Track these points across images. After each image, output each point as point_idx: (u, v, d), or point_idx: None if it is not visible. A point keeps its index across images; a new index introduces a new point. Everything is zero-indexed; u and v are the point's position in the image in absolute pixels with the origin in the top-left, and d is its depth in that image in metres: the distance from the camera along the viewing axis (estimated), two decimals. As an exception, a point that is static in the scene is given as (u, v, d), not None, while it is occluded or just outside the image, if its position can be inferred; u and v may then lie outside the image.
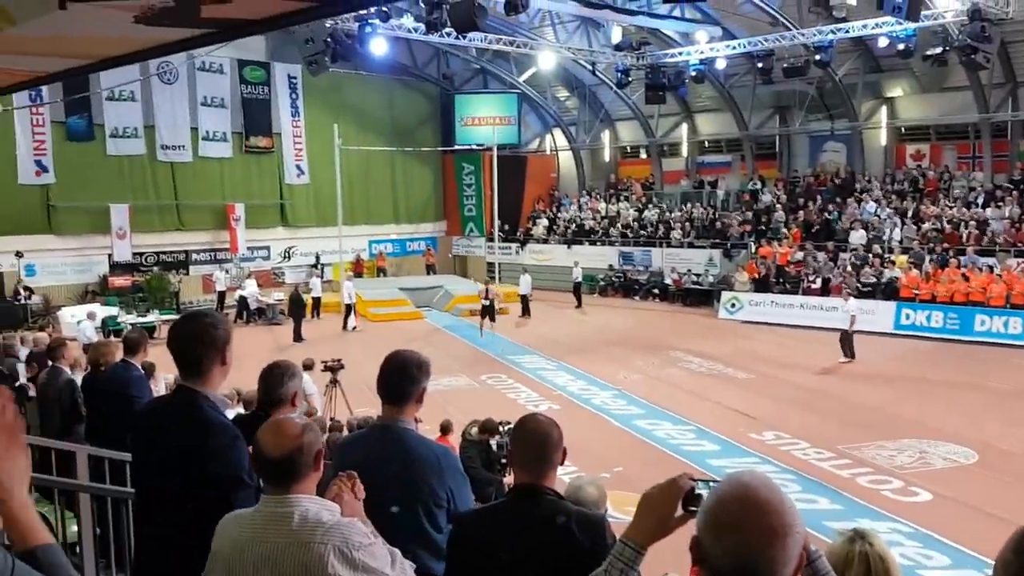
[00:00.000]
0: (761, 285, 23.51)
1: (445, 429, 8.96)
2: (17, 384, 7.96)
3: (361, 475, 2.48)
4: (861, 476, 10.46)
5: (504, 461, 7.97)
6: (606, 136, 33.41)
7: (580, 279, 26.58)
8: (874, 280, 21.60)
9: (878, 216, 23.92)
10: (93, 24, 2.97)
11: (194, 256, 27.20)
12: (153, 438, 2.91)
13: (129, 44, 3.61)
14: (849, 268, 22.33)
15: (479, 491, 7.08)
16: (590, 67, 27.12)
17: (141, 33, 3.18)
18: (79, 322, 18.26)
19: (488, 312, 21.58)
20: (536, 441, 2.58)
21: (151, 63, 18.56)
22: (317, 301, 24.28)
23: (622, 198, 31.75)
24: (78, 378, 6.90)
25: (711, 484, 1.75)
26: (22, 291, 22.46)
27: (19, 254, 23.04)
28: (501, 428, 8.38)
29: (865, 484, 10.19)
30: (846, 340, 17.59)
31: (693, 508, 1.80)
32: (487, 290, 22.06)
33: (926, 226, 22.71)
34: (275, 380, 3.36)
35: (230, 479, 2.67)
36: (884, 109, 25.89)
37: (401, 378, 3.02)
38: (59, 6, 2.53)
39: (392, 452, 2.94)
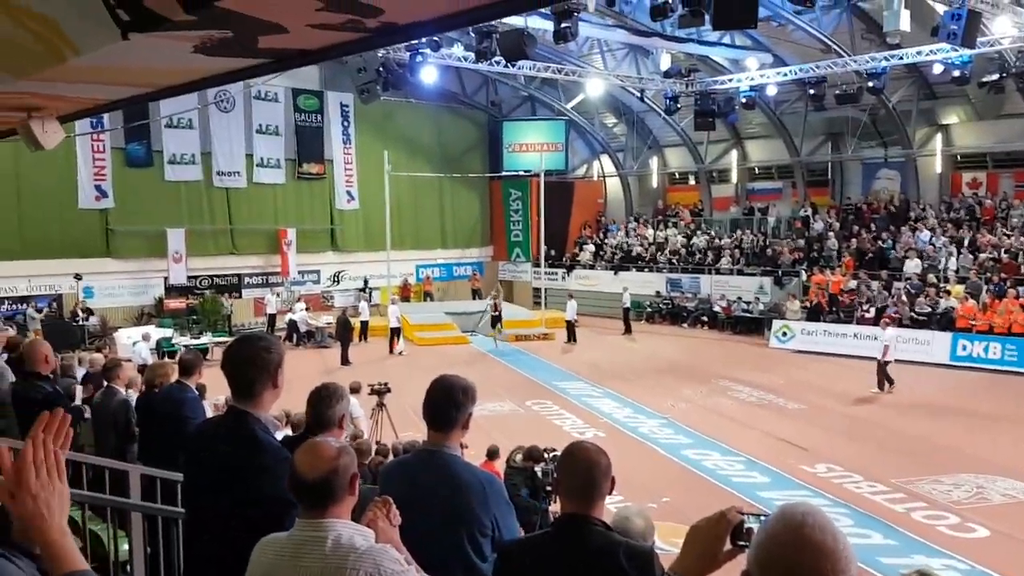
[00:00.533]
0: (813, 314, 23.11)
1: (492, 454, 8.94)
2: (73, 404, 8.16)
3: (406, 501, 2.48)
4: (916, 511, 10.15)
5: (549, 489, 7.91)
6: (654, 162, 33.32)
7: (629, 304, 26.37)
8: (929, 310, 21.09)
9: (933, 244, 23.40)
10: (154, 54, 3.05)
11: (247, 279, 27.71)
12: (204, 458, 2.96)
13: (188, 74, 3.71)
14: (904, 297, 21.83)
15: (523, 519, 7.03)
16: (638, 94, 27.13)
17: (200, 63, 3.27)
18: (134, 343, 18.71)
19: (496, 321, 23.81)
20: (584, 469, 2.55)
21: (209, 91, 19.05)
22: (365, 325, 24.50)
23: (670, 224, 31.57)
24: (133, 398, 7.04)
25: (761, 518, 1.71)
26: (80, 312, 23.09)
27: (78, 276, 23.72)
28: (546, 455, 8.32)
29: (920, 519, 9.89)
30: (881, 370, 17.18)
31: (743, 543, 1.76)
32: (495, 304, 24.06)
33: (983, 255, 22.14)
34: (323, 403, 3.40)
35: (279, 500, 2.69)
36: (939, 136, 25.40)
37: (447, 404, 3.01)
38: (122, 37, 2.61)
39: (438, 478, 2.93)
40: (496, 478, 3.11)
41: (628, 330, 25.99)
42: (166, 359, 16.40)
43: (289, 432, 7.15)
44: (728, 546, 1.82)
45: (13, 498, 1.56)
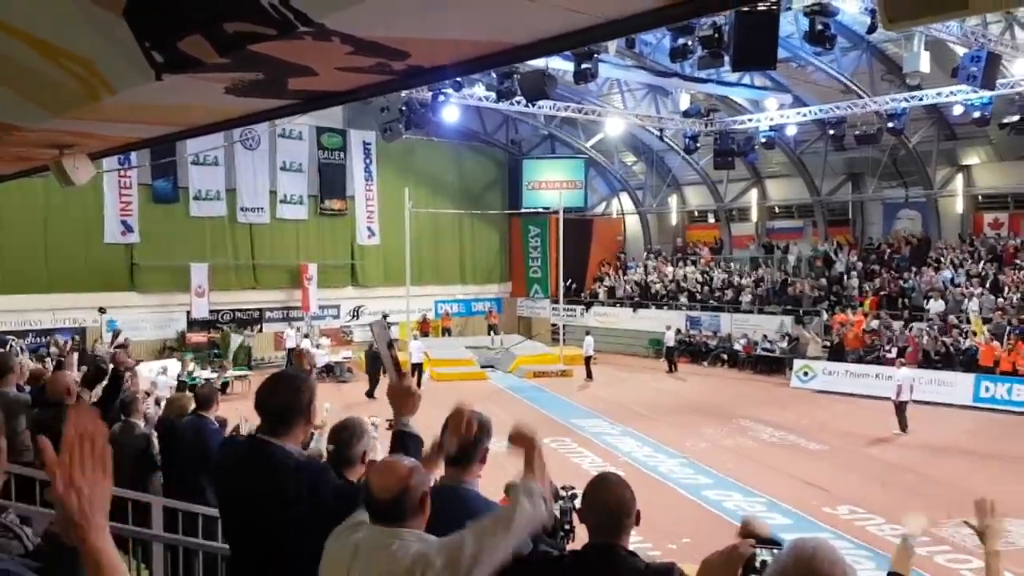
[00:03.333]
0: (836, 354, 22.91)
1: (509, 491, 8.87)
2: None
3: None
4: (939, 555, 9.97)
5: (568, 527, 7.84)
6: (673, 200, 33.41)
7: (673, 344, 26.01)
8: (952, 351, 20.86)
9: (956, 284, 23.21)
10: (186, 94, 3.14)
11: (267, 314, 27.90)
12: (230, 492, 3.00)
13: (219, 113, 3.81)
14: (926, 339, 21.62)
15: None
16: (658, 133, 27.31)
17: (231, 103, 3.36)
18: (153, 382, 18.87)
19: (492, 328, 29.49)
20: (611, 502, 2.56)
21: (235, 130, 19.40)
22: (382, 360, 24.51)
23: (689, 262, 31.54)
24: (152, 431, 7.08)
25: (774, 550, 1.72)
26: (114, 348, 23.28)
27: (102, 310, 23.99)
28: (564, 493, 8.26)
29: (943, 563, 9.72)
30: (899, 411, 16.95)
31: None
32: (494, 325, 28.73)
33: (1005, 296, 21.92)
34: (344, 441, 3.41)
35: (321, 506, 2.77)
36: (960, 177, 25.33)
37: (464, 440, 3.04)
38: (156, 78, 2.70)
39: (456, 513, 2.93)
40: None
41: (671, 369, 25.63)
42: (187, 392, 16.49)
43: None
44: None
45: (63, 490, 1.56)
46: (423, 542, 2.32)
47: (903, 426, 16.93)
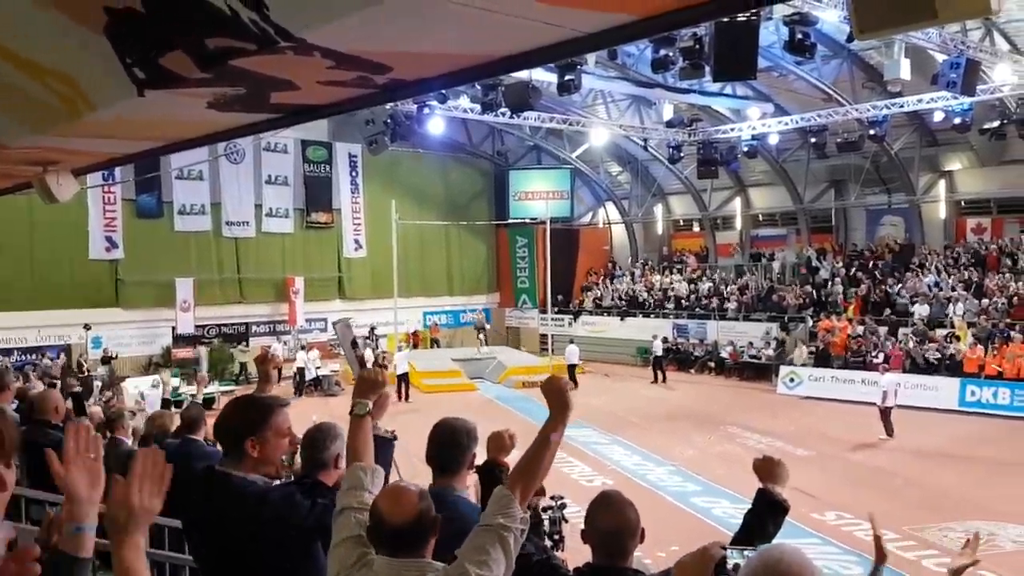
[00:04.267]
0: (822, 360, 23.03)
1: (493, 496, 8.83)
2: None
3: None
4: (927, 559, 10.03)
5: (557, 537, 7.81)
6: (659, 210, 33.58)
7: (660, 353, 25.88)
8: (938, 355, 21.01)
9: (940, 288, 23.40)
10: (169, 109, 3.15)
11: (254, 328, 27.80)
12: (201, 517, 2.98)
13: (202, 128, 3.82)
14: (911, 344, 21.77)
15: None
16: (642, 143, 27.46)
17: (213, 118, 3.38)
18: (142, 393, 18.76)
19: (481, 329, 29.72)
20: (616, 523, 2.58)
21: (219, 144, 19.37)
22: (370, 373, 24.57)
23: (675, 270, 31.67)
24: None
25: (745, 552, 1.74)
26: (100, 363, 23.20)
27: (87, 326, 23.85)
28: (552, 502, 8.19)
29: (932, 567, 9.75)
30: (885, 416, 17.10)
31: None
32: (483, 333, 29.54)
33: (987, 301, 22.11)
34: (316, 445, 3.37)
35: (300, 531, 2.76)
36: (943, 183, 25.58)
37: (452, 448, 3.04)
38: (138, 93, 2.71)
39: (447, 519, 2.95)
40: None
41: (659, 379, 25.37)
42: (173, 408, 16.37)
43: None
44: None
45: (116, 505, 1.82)
46: (435, 571, 2.28)
47: (889, 431, 17.04)
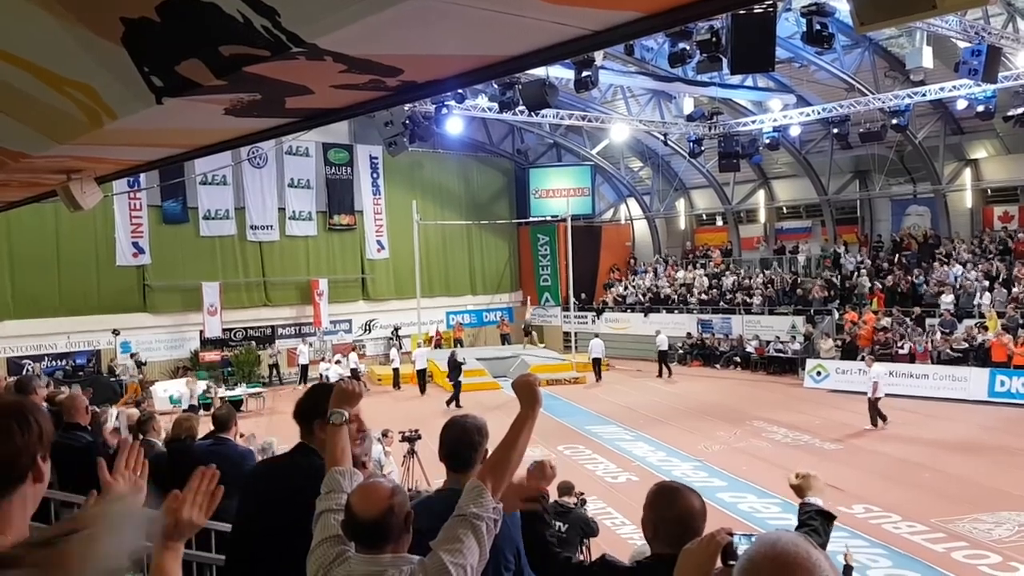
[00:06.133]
0: (848, 353, 22.82)
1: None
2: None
3: (433, 538, 2.54)
4: (956, 551, 9.93)
5: (558, 550, 7.80)
6: (681, 204, 33.42)
7: (665, 347, 25.90)
8: (965, 346, 20.76)
9: (967, 279, 23.11)
10: (187, 117, 3.20)
11: (280, 330, 28.04)
12: (272, 490, 3.18)
13: (221, 134, 3.88)
14: (938, 336, 21.52)
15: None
16: (662, 138, 27.35)
17: (231, 124, 3.43)
18: (171, 397, 19.05)
19: (505, 338, 31.05)
20: (683, 512, 2.59)
21: (242, 149, 19.56)
22: (396, 372, 24.77)
23: (699, 265, 31.52)
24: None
25: (753, 537, 1.76)
26: (118, 367, 23.52)
27: (116, 332, 24.20)
28: (572, 501, 8.20)
29: (961, 559, 9.66)
30: (872, 407, 17.15)
31: (733, 563, 1.81)
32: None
33: (1016, 289, 21.81)
34: None
35: None
36: (968, 171, 25.25)
37: (463, 445, 3.09)
38: (156, 101, 2.76)
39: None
40: (516, 514, 3.16)
41: (663, 373, 25.52)
42: (202, 412, 16.62)
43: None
44: (719, 566, 1.87)
45: (167, 513, 1.99)
46: (410, 563, 2.33)
47: (874, 421, 17.21)
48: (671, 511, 2.61)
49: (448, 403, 21.01)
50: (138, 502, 2.02)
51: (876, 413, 17.20)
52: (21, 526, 1.67)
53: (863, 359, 22.20)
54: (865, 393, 17.71)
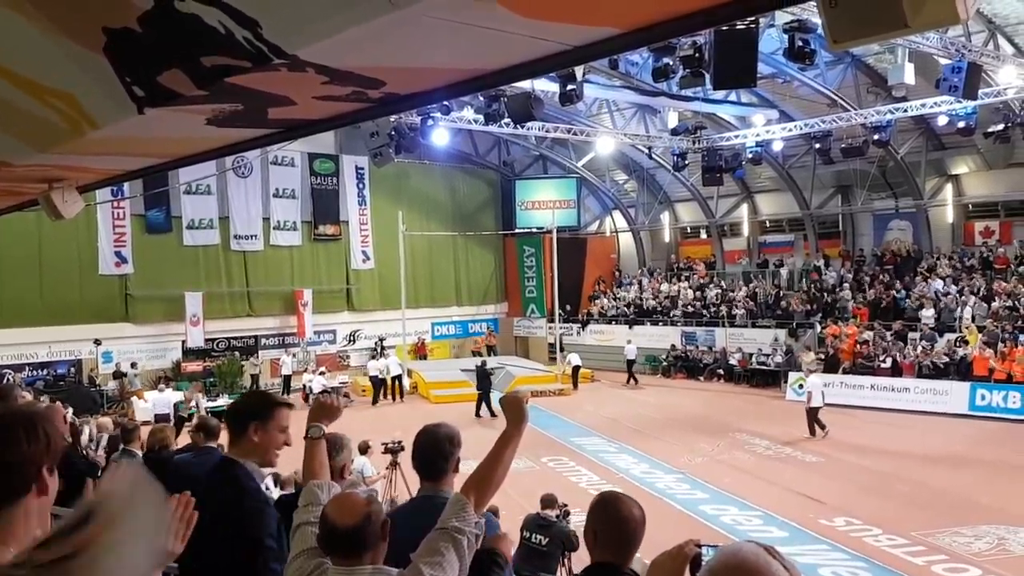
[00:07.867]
0: (830, 366, 22.96)
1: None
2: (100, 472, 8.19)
3: (413, 546, 2.54)
4: (937, 564, 9.99)
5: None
6: (665, 217, 33.58)
7: (633, 356, 26.63)
8: (946, 359, 20.93)
9: (948, 293, 23.32)
10: (169, 126, 3.21)
11: (263, 341, 27.88)
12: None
13: (203, 144, 3.88)
14: (920, 350, 21.69)
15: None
16: (647, 151, 27.50)
17: (213, 134, 3.43)
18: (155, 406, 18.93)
19: (491, 349, 31.25)
20: (622, 520, 2.59)
21: (226, 158, 19.51)
22: (396, 380, 24.87)
23: (683, 278, 31.65)
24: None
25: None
26: (113, 376, 23.39)
27: (97, 341, 24.00)
28: (554, 514, 8.19)
29: (941, 572, 9.73)
30: (810, 416, 17.67)
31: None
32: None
33: (996, 304, 22.02)
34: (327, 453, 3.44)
35: (256, 541, 2.86)
36: (950, 186, 25.52)
37: (436, 455, 3.11)
38: (138, 111, 2.76)
39: (434, 522, 3.00)
40: (492, 516, 3.17)
41: (630, 382, 26.33)
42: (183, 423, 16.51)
43: (279, 491, 7.17)
44: None
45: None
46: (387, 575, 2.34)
47: (812, 431, 17.71)
48: (611, 519, 2.61)
49: (478, 414, 21.09)
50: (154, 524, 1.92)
51: (814, 421, 17.75)
52: (23, 540, 1.63)
53: (844, 372, 22.44)
54: (847, 406, 17.88)
